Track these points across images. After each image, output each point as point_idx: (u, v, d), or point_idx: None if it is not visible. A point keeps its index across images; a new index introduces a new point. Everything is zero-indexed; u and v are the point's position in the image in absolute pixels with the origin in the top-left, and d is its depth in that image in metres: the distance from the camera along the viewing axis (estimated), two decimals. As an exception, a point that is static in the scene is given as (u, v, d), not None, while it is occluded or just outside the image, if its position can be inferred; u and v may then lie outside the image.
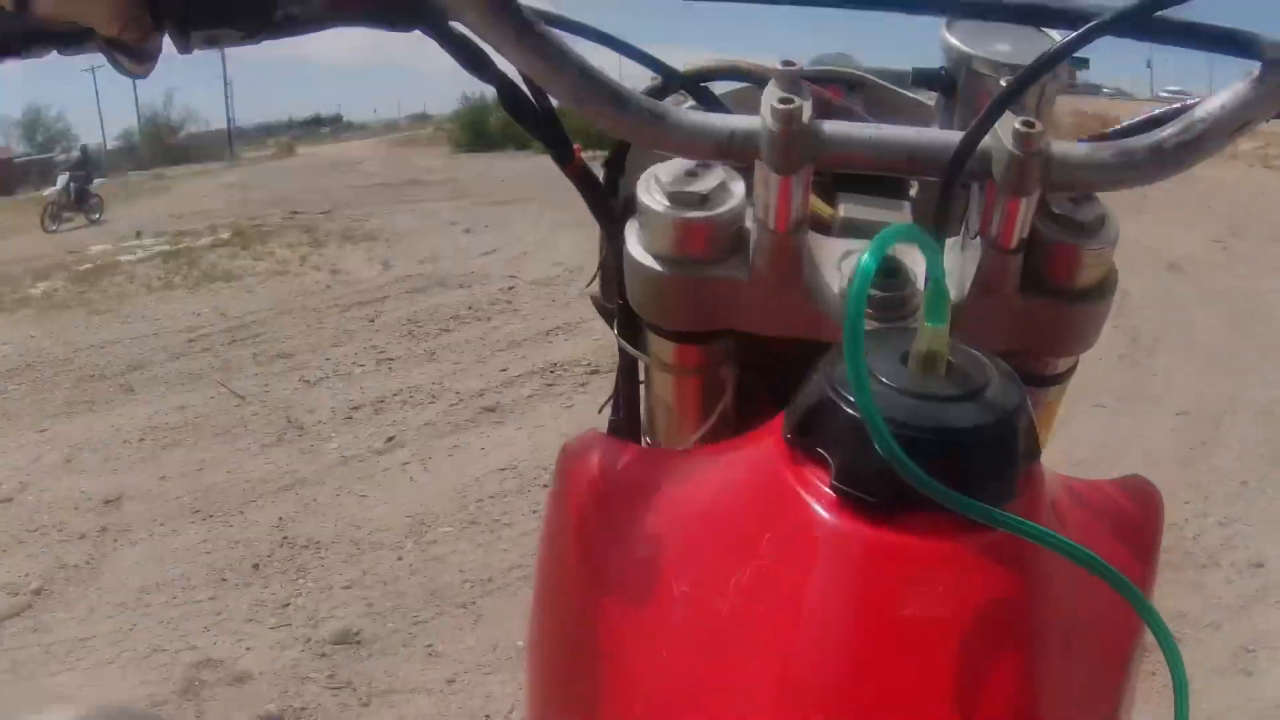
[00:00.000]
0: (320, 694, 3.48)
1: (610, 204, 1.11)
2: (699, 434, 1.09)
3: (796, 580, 0.70)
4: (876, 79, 1.29)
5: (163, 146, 28.32)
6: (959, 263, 0.94)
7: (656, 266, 0.93)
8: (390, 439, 5.64)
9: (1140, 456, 5.03)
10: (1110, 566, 0.68)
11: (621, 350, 1.15)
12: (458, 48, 0.93)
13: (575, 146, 1.07)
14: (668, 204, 0.90)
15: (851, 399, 0.70)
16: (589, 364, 6.49)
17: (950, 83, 1.04)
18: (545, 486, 4.30)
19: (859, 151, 0.85)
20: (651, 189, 0.92)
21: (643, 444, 1.25)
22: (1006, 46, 0.98)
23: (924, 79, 1.08)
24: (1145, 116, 0.96)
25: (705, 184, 0.91)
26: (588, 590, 0.84)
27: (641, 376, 1.21)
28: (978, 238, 0.90)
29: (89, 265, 10.69)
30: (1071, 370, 1.06)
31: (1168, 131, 0.83)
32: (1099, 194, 0.92)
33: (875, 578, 0.69)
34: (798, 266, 0.90)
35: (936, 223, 0.85)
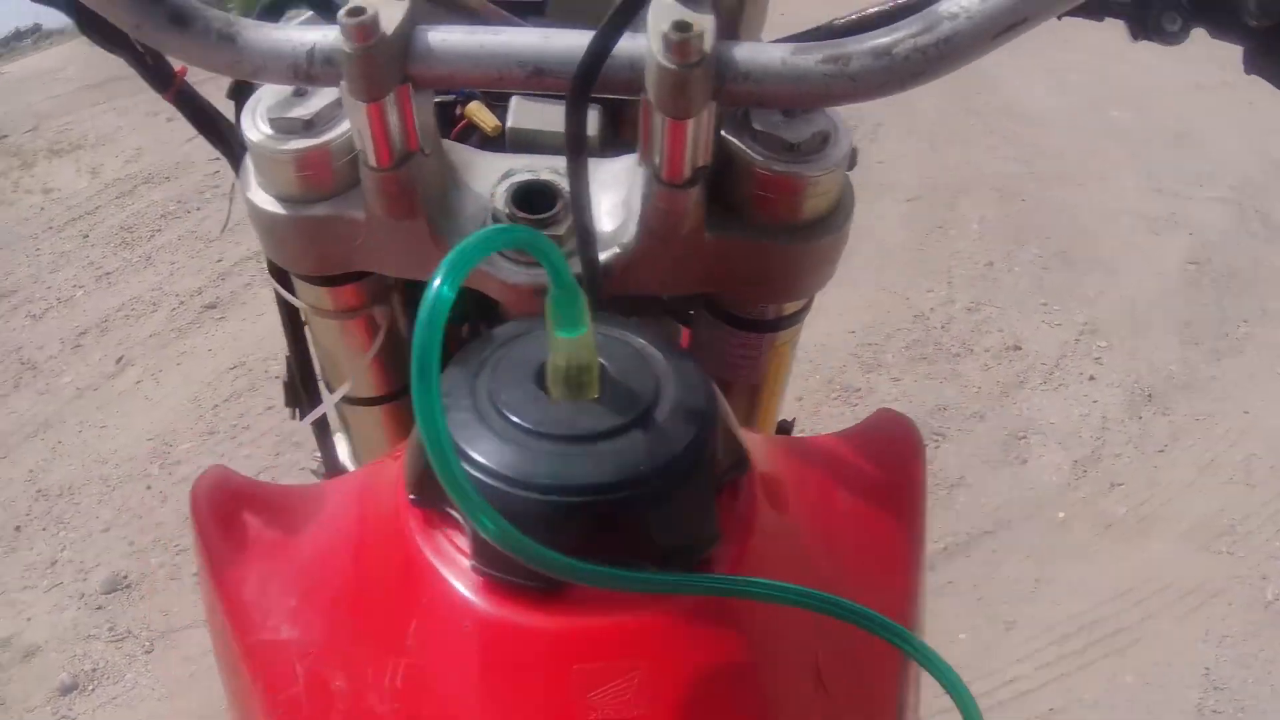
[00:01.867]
0: (105, 650, 3.60)
1: (226, 133, 1.09)
2: (367, 365, 1.04)
3: (457, 689, 0.60)
4: None
5: None
6: (631, 186, 0.83)
7: (268, 206, 0.86)
8: (119, 360, 5.65)
9: (875, 248, 5.03)
10: (847, 604, 0.58)
11: (277, 294, 1.09)
12: None
13: (178, 69, 1.03)
14: (269, 132, 0.83)
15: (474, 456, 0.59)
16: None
17: None
18: (277, 378, 4.44)
19: (462, 65, 0.73)
20: (256, 115, 0.85)
21: (321, 389, 1.19)
22: None
23: None
24: (889, 5, 0.83)
25: (311, 106, 0.83)
26: (239, 660, 0.74)
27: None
28: (643, 165, 0.78)
29: None
30: (805, 308, 0.96)
31: (902, 31, 0.67)
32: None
33: (549, 679, 0.58)
34: (413, 202, 0.82)
35: (570, 145, 0.74)
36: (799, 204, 0.79)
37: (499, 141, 0.99)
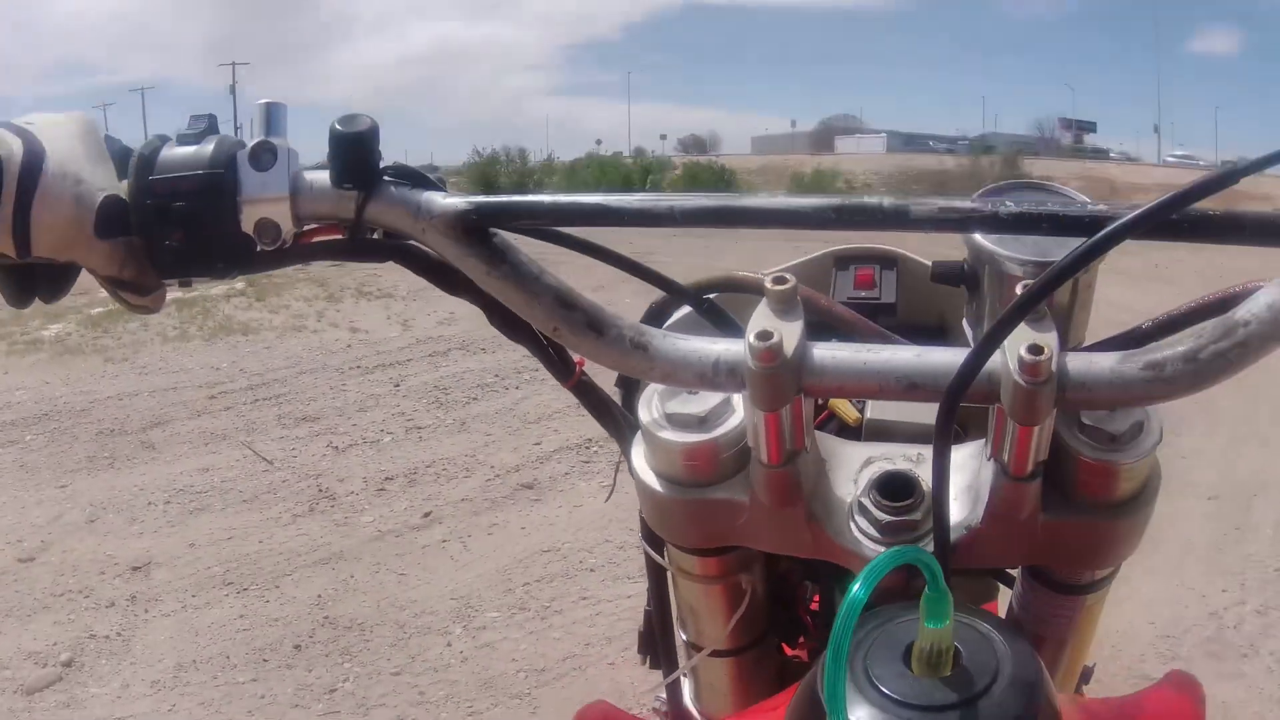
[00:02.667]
0: None
1: (619, 417, 1.10)
2: (728, 630, 1.08)
3: None
4: (911, 256, 1.28)
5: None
6: (977, 476, 0.89)
7: (658, 487, 0.91)
8: (427, 514, 5.52)
9: (1177, 544, 4.88)
10: None
11: (646, 556, 1.16)
12: (434, 273, 0.93)
13: (577, 360, 1.06)
14: (665, 424, 0.89)
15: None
16: (624, 441, 6.29)
17: (973, 279, 1.00)
18: (591, 570, 4.22)
19: (850, 381, 0.80)
20: (651, 407, 0.90)
21: (678, 638, 1.23)
22: (1034, 238, 0.92)
23: (943, 275, 1.04)
24: (1179, 311, 0.89)
25: (704, 404, 0.89)
26: None
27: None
28: (991, 459, 0.84)
29: (100, 309, 10.52)
30: (1114, 572, 1.00)
31: (1204, 338, 0.74)
32: None
33: None
34: (796, 493, 0.87)
35: (937, 447, 0.79)
36: (1119, 485, 0.84)
37: (856, 430, 1.09)
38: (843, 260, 1.31)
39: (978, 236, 0.96)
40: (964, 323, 1.11)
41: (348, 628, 4.28)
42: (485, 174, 40.21)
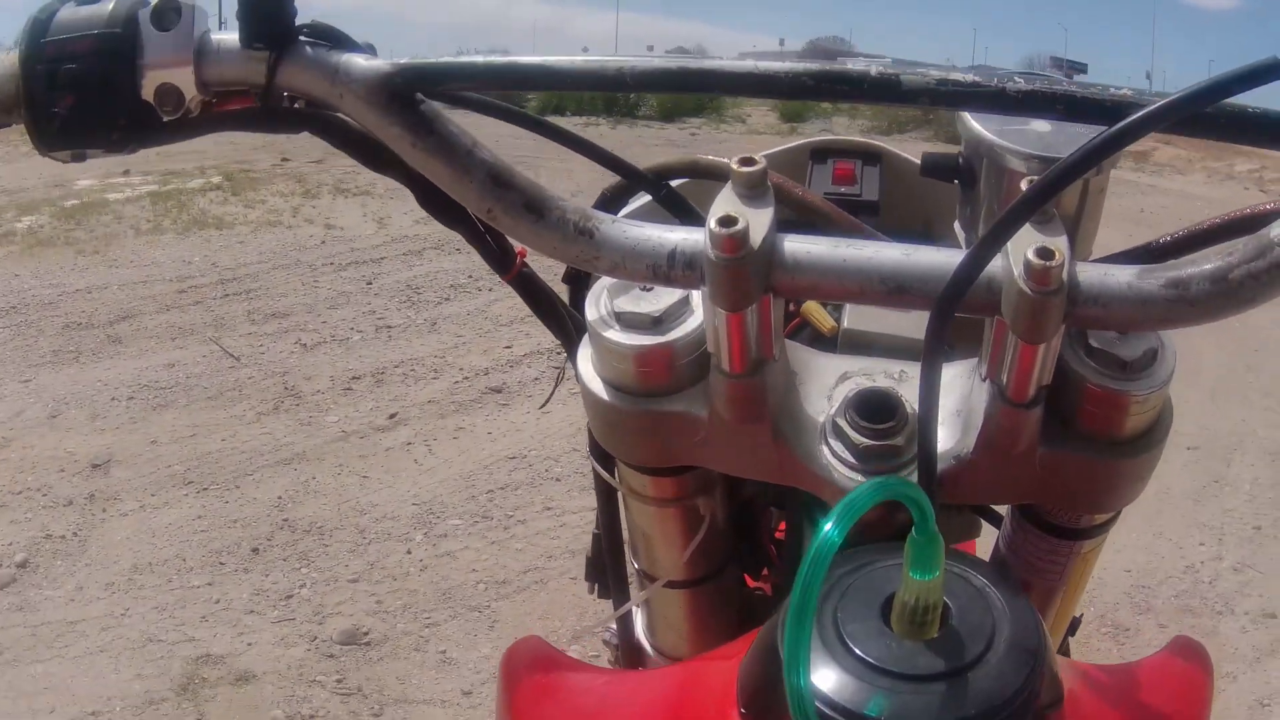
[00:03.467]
0: (329, 700, 3.31)
1: (565, 316, 1.06)
2: (684, 558, 1.03)
3: None
4: (898, 152, 1.21)
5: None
6: (968, 398, 0.83)
7: (606, 396, 0.85)
8: (392, 415, 5.46)
9: (1156, 491, 4.94)
10: None
11: (595, 474, 1.10)
12: (355, 146, 0.87)
13: (519, 250, 1.01)
14: (614, 324, 0.83)
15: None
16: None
17: (969, 174, 0.92)
18: (557, 480, 4.19)
19: (827, 280, 0.72)
20: (599, 304, 0.84)
21: (630, 567, 1.19)
22: (1043, 127, 0.85)
23: (936, 168, 0.96)
24: (1201, 226, 0.81)
25: (658, 302, 0.82)
26: None
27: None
28: (987, 380, 0.78)
29: (75, 201, 10.38)
30: (1114, 519, 0.95)
31: (1235, 257, 0.66)
32: None
33: None
34: (761, 407, 0.81)
35: (926, 363, 0.72)
36: (1127, 419, 0.79)
37: (831, 341, 1.00)
38: (820, 153, 1.23)
39: (976, 126, 0.88)
40: (955, 225, 1.04)
41: (307, 531, 4.24)
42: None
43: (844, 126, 21.48)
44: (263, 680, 3.36)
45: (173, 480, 4.67)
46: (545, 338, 6.46)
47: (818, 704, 0.60)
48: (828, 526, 0.56)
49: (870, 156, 1.21)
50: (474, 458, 4.96)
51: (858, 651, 0.62)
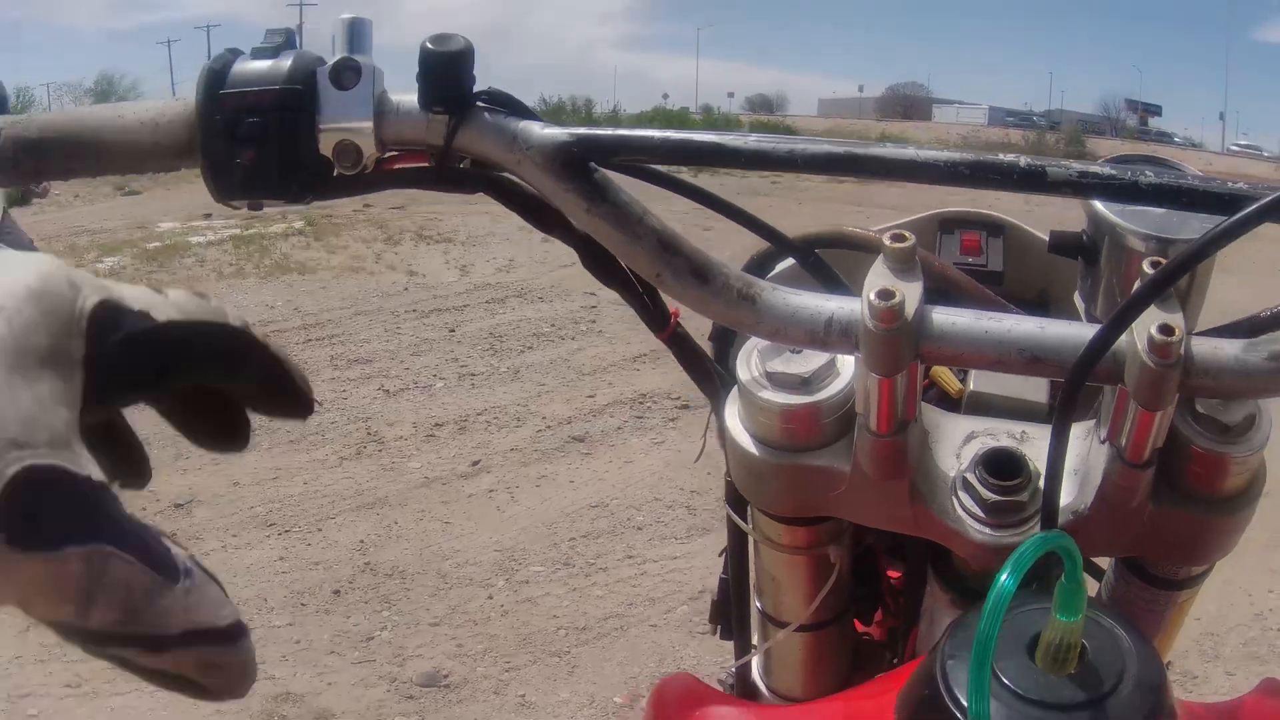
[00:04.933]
0: None
1: (713, 372, 1.07)
2: (810, 610, 1.06)
3: None
4: (1020, 224, 1.24)
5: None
6: (1085, 459, 0.87)
7: (753, 449, 0.88)
8: (475, 463, 5.46)
9: None
10: None
11: (729, 520, 1.12)
12: (528, 208, 0.89)
13: (673, 311, 1.03)
14: (765, 383, 0.86)
15: (967, 706, 0.65)
16: (678, 397, 6.26)
17: (1092, 251, 0.95)
18: (639, 529, 4.14)
19: (969, 348, 0.76)
20: (751, 364, 0.87)
21: (754, 608, 1.20)
22: (1159, 213, 0.87)
23: (1062, 246, 0.98)
24: None
25: (808, 364, 0.86)
26: None
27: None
28: (1106, 442, 0.82)
29: (157, 244, 10.53)
30: (1208, 571, 0.99)
31: None
32: None
33: None
34: (902, 464, 0.85)
35: (1057, 427, 0.77)
36: (1228, 479, 0.82)
37: (956, 402, 1.03)
38: (948, 223, 1.26)
39: (1100, 207, 0.90)
40: (1075, 297, 1.04)
41: (388, 575, 4.23)
42: (553, 114, 40.43)
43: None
44: (341, 719, 3.36)
45: (255, 521, 4.68)
46: (627, 388, 6.55)
47: None
48: (1004, 577, 0.62)
49: (995, 227, 1.25)
50: (556, 505, 4.95)
51: (1008, 683, 0.68)
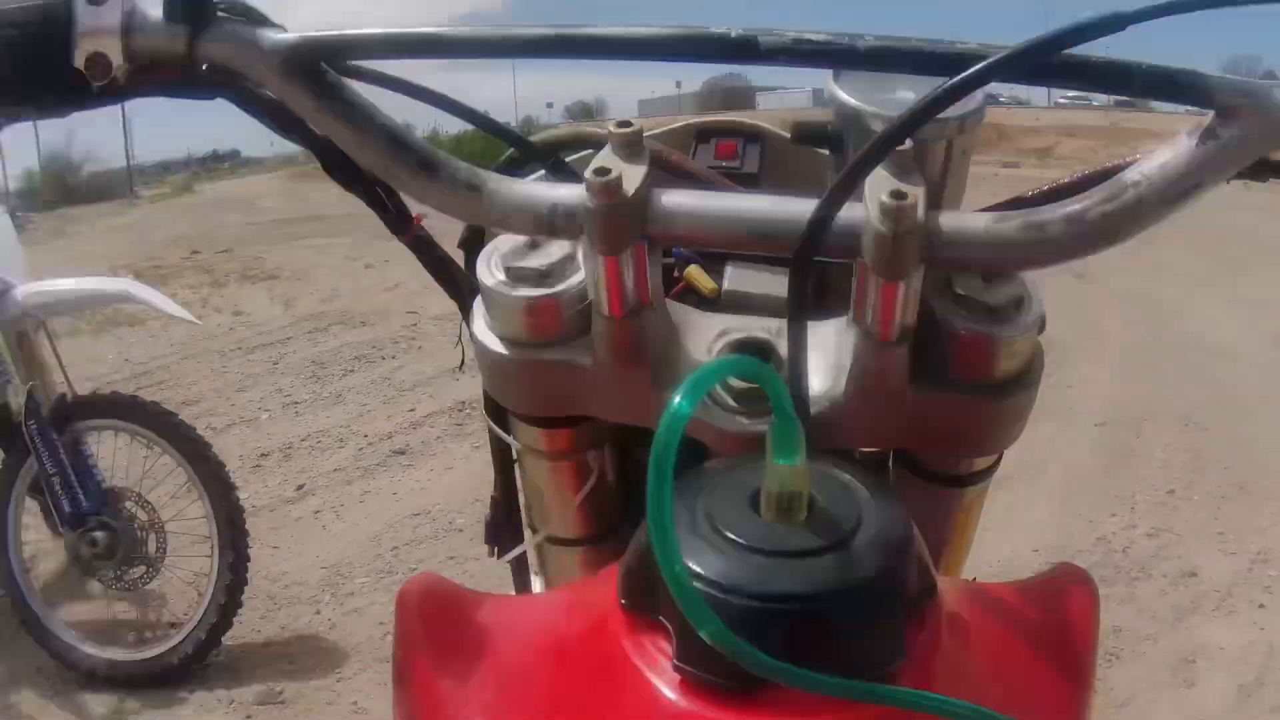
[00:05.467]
0: None
1: (459, 278, 1.09)
2: (575, 505, 1.05)
3: None
4: (780, 132, 1.17)
5: (64, 187, 27.24)
6: (839, 348, 0.84)
7: (498, 348, 0.88)
8: (300, 487, 5.61)
9: (1063, 471, 5.03)
10: None
11: (491, 433, 1.13)
12: (264, 112, 0.91)
13: (415, 216, 1.05)
14: (504, 280, 0.86)
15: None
16: (498, 402, 6.37)
17: (838, 141, 0.92)
18: (460, 530, 4.31)
19: (695, 226, 0.77)
20: (491, 264, 0.88)
21: (525, 532, 1.23)
22: (908, 94, 0.84)
23: (808, 136, 0.97)
24: (1066, 180, 0.85)
25: (546, 257, 0.86)
26: None
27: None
28: (854, 323, 0.80)
29: (-16, 312, 10.41)
30: (994, 466, 0.97)
31: (1091, 199, 0.70)
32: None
33: None
34: (640, 352, 0.84)
35: (791, 307, 0.76)
36: (995, 364, 0.82)
37: (714, 304, 1.01)
38: (704, 133, 1.22)
39: (841, 93, 0.87)
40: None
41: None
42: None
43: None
44: (185, 749, 3.47)
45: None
46: (447, 398, 6.67)
47: (696, 584, 0.59)
48: (676, 399, 0.56)
49: (752, 135, 1.20)
50: (380, 518, 5.12)
51: (727, 534, 0.63)
